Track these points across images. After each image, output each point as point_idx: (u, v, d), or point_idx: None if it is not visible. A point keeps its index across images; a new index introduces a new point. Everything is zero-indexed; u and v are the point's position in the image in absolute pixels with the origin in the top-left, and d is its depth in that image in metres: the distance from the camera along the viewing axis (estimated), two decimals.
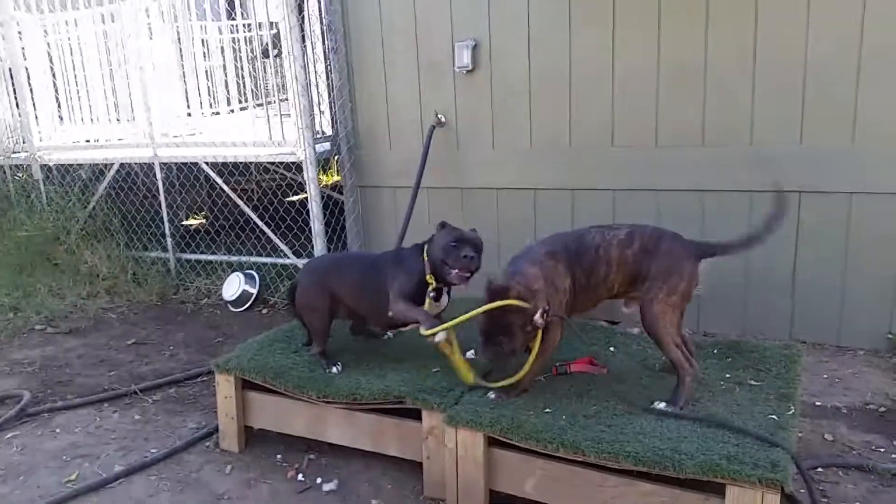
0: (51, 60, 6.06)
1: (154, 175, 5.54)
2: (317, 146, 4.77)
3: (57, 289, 5.47)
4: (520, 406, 2.54)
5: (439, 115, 4.59)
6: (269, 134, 4.90)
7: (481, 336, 2.54)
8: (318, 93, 4.95)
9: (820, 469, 2.78)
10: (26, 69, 6.05)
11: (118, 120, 5.91)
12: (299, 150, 4.72)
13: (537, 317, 2.45)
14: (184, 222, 6.94)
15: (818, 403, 3.34)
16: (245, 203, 5.37)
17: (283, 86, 5.87)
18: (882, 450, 2.95)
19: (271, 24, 7.77)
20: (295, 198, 8.25)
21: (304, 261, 5.10)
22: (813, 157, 3.78)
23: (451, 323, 2.63)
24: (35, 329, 4.87)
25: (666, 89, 4.02)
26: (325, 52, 4.90)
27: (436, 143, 4.59)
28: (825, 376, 3.60)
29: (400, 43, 4.68)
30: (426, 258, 2.86)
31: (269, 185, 7.80)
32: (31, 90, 6.05)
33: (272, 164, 7.09)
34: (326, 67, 4.94)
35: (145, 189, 6.04)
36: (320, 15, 4.80)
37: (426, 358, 2.96)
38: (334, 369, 2.97)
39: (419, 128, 4.72)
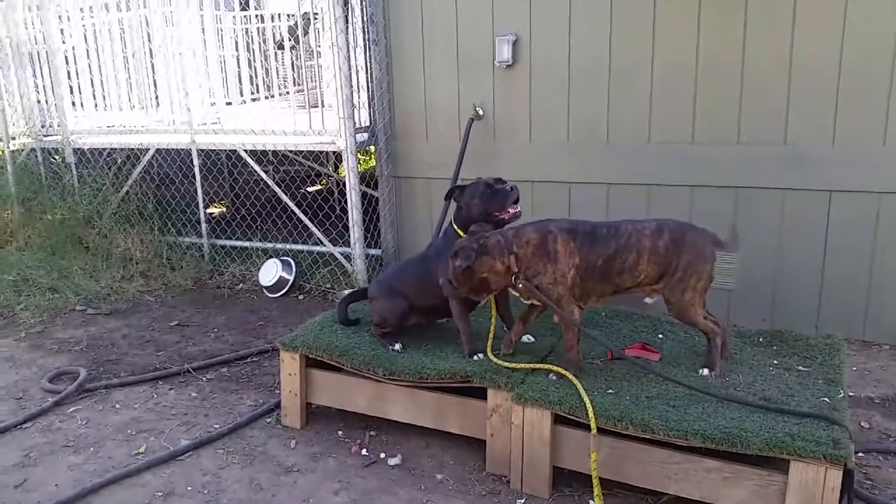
0: (87, 42, 6.11)
1: (187, 161, 5.63)
2: (357, 136, 4.88)
3: (91, 271, 5.57)
4: (584, 387, 2.67)
5: (477, 108, 4.71)
6: (310, 123, 5.00)
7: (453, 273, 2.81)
8: (357, 84, 5.05)
9: (861, 454, 2.93)
10: (64, 52, 6.11)
11: (157, 104, 5.98)
12: (340, 139, 4.83)
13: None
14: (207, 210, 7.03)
15: (851, 394, 3.48)
16: (272, 192, 5.47)
17: (299, 77, 6.00)
18: None
19: (289, 15, 7.87)
20: (312, 188, 8.39)
21: (342, 249, 5.23)
22: (844, 157, 3.92)
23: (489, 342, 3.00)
24: (76, 309, 4.97)
25: (703, 86, 4.14)
26: (365, 43, 5.00)
27: (472, 136, 4.71)
28: (854, 369, 3.75)
29: (440, 36, 4.79)
30: (460, 232, 3.02)
31: (284, 177, 7.92)
32: (67, 73, 6.12)
33: (293, 153, 7.21)
34: (366, 59, 5.04)
35: (181, 175, 6.14)
36: (363, 6, 4.90)
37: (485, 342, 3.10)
38: (397, 346, 3.10)
39: (457, 120, 4.84)
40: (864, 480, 2.77)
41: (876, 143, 3.84)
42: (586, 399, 2.54)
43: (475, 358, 2.95)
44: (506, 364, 2.85)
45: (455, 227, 3.09)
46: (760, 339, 3.15)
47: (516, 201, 3.01)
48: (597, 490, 2.48)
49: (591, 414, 2.50)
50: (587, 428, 2.53)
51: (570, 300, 2.76)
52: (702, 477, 2.41)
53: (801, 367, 2.85)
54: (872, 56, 3.78)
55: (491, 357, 2.93)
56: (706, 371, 2.81)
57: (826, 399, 2.57)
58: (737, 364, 2.91)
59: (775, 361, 2.93)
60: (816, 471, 2.21)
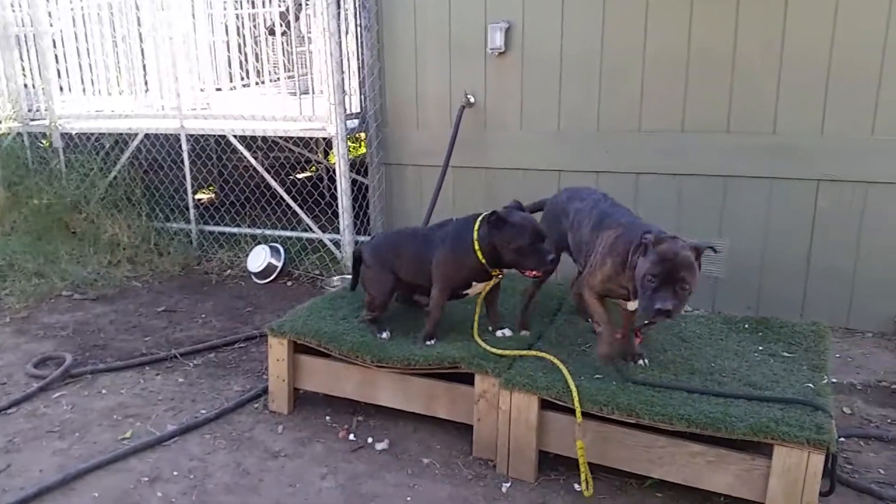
0: (75, 26, 6.05)
1: (175, 147, 5.59)
2: (347, 122, 4.86)
3: (78, 256, 5.53)
4: (571, 372, 2.68)
5: (469, 96, 4.70)
6: (300, 109, 4.98)
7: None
8: (348, 70, 5.02)
9: (843, 439, 2.96)
10: (52, 35, 6.04)
11: (145, 90, 5.93)
12: (330, 125, 4.81)
13: None
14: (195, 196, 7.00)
15: (834, 380, 3.51)
16: (260, 178, 5.45)
17: (290, 63, 5.96)
18: None
19: (280, 1, 7.80)
20: (301, 175, 8.36)
21: (331, 236, 5.22)
22: (833, 148, 3.94)
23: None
24: (62, 295, 4.93)
25: (694, 75, 4.15)
26: (356, 29, 4.97)
27: (463, 123, 4.70)
28: (837, 356, 3.79)
29: (432, 22, 4.77)
30: (478, 247, 2.86)
31: (273, 163, 7.89)
32: (55, 57, 6.05)
33: (282, 139, 7.17)
34: (357, 45, 5.02)
35: (169, 160, 6.10)
36: None
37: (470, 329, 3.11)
38: (384, 335, 3.10)
39: (448, 107, 4.82)
40: (845, 465, 2.80)
41: (864, 134, 3.87)
42: (573, 387, 2.55)
43: (428, 343, 2.99)
44: (494, 350, 2.86)
45: (476, 243, 2.87)
46: (746, 326, 3.16)
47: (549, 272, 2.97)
48: (584, 475, 2.49)
49: (576, 402, 2.51)
50: (574, 413, 2.54)
51: None
52: (686, 461, 2.43)
53: (785, 354, 2.88)
54: (862, 47, 3.79)
55: (479, 341, 2.94)
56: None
57: (810, 385, 2.59)
58: (722, 350, 2.93)
59: (760, 348, 2.95)
60: (799, 455, 2.23)
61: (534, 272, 2.84)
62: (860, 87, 3.83)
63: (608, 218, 2.76)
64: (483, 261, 2.88)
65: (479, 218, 2.92)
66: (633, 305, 2.66)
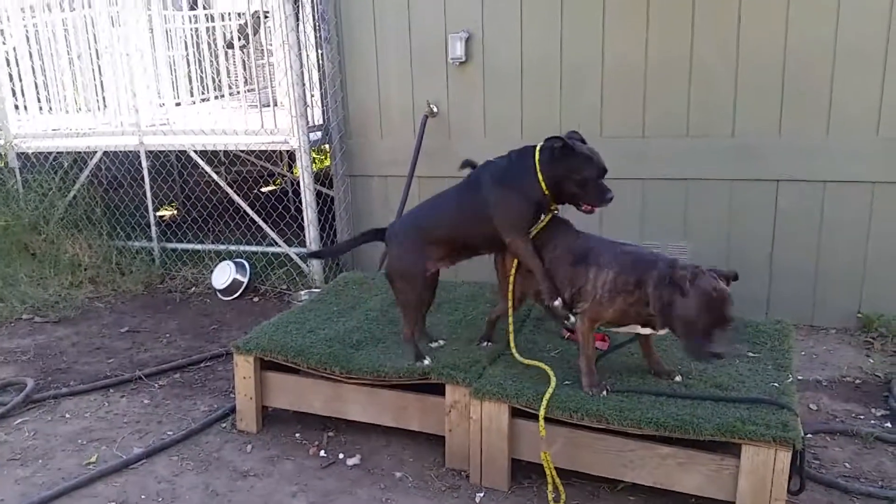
0: (29, 44, 5.94)
1: (135, 164, 5.51)
2: (310, 134, 4.83)
3: (38, 279, 5.40)
4: (540, 379, 2.68)
5: (432, 105, 4.70)
6: (262, 122, 4.93)
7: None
8: (309, 82, 5.00)
9: (810, 435, 3.00)
10: (5, 53, 5.92)
11: (103, 107, 5.83)
12: (293, 138, 4.78)
13: None
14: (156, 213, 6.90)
15: (800, 377, 3.57)
16: (223, 193, 5.39)
17: (251, 76, 5.92)
18: (861, 416, 3.21)
19: (239, 14, 7.75)
20: (266, 188, 8.29)
21: (297, 250, 5.17)
22: (790, 149, 4.03)
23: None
24: (22, 318, 4.81)
25: (653, 81, 4.21)
26: (317, 41, 4.95)
27: (428, 133, 4.70)
28: (803, 353, 3.85)
29: (392, 33, 4.77)
30: (541, 177, 2.67)
31: (236, 177, 7.81)
32: (9, 76, 5.92)
33: (244, 153, 7.11)
34: (318, 57, 4.99)
35: (129, 178, 6.00)
36: (313, 4, 4.85)
37: (441, 337, 3.10)
38: (426, 362, 2.84)
39: (411, 117, 4.82)
40: (812, 460, 2.84)
41: (819, 134, 3.95)
42: (545, 398, 2.54)
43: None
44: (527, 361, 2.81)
45: (540, 174, 2.68)
46: None
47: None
48: (551, 486, 2.50)
49: (541, 415, 2.51)
50: (544, 420, 2.54)
51: None
52: (657, 463, 2.44)
53: (751, 354, 2.91)
54: (814, 51, 3.89)
55: (516, 356, 2.86)
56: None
57: (776, 384, 2.62)
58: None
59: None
60: (767, 453, 2.26)
61: (593, 206, 2.70)
62: (814, 89, 3.92)
63: (596, 248, 2.69)
64: (546, 192, 2.68)
65: (539, 147, 2.73)
66: (655, 332, 2.62)
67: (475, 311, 3.43)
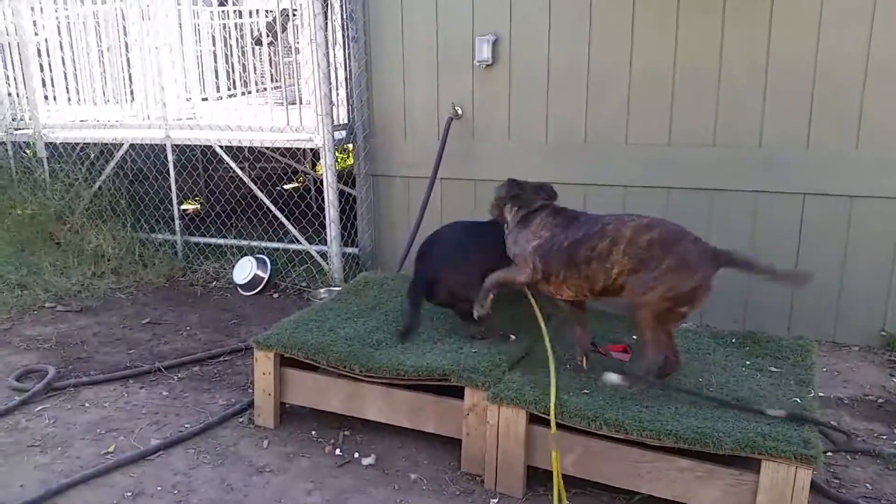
0: (60, 35, 6.01)
1: (161, 157, 5.56)
2: (335, 133, 4.85)
3: (62, 267, 5.47)
4: (559, 387, 2.67)
5: (457, 108, 4.70)
6: (287, 119, 4.96)
7: None
8: (335, 80, 5.01)
9: (830, 453, 2.96)
10: (37, 45, 6.00)
11: (131, 100, 5.89)
12: (317, 136, 4.79)
13: None
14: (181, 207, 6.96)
15: (821, 394, 3.52)
16: (247, 189, 5.42)
17: (277, 73, 5.93)
18: (884, 437, 3.15)
19: (267, 11, 7.80)
20: (289, 186, 8.33)
21: (317, 247, 5.19)
22: (818, 161, 3.97)
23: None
24: (45, 307, 4.87)
25: (680, 89, 4.18)
26: (344, 40, 4.97)
27: (451, 135, 4.70)
28: (825, 370, 3.80)
29: (420, 34, 4.77)
30: None
31: (260, 174, 7.87)
32: (40, 66, 6.01)
33: (268, 149, 7.15)
34: (345, 56, 5.01)
35: (155, 171, 6.06)
36: (342, 3, 4.87)
37: (463, 339, 3.10)
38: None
39: (435, 119, 4.82)
40: (832, 479, 2.80)
41: (849, 148, 3.90)
42: (552, 397, 2.54)
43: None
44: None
45: None
46: (733, 340, 3.17)
47: None
48: (557, 489, 2.50)
49: (552, 412, 2.51)
50: (563, 428, 2.53)
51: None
52: (674, 476, 2.42)
53: (772, 368, 2.89)
54: (846, 62, 3.83)
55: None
56: (614, 377, 2.66)
57: (797, 399, 2.60)
58: (710, 365, 2.93)
59: (748, 362, 2.96)
60: (787, 470, 2.23)
61: None
62: (844, 101, 3.87)
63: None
64: None
65: None
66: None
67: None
